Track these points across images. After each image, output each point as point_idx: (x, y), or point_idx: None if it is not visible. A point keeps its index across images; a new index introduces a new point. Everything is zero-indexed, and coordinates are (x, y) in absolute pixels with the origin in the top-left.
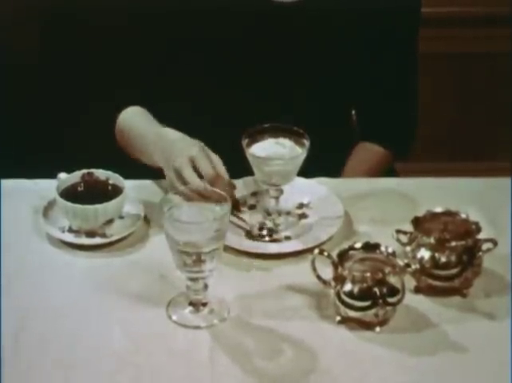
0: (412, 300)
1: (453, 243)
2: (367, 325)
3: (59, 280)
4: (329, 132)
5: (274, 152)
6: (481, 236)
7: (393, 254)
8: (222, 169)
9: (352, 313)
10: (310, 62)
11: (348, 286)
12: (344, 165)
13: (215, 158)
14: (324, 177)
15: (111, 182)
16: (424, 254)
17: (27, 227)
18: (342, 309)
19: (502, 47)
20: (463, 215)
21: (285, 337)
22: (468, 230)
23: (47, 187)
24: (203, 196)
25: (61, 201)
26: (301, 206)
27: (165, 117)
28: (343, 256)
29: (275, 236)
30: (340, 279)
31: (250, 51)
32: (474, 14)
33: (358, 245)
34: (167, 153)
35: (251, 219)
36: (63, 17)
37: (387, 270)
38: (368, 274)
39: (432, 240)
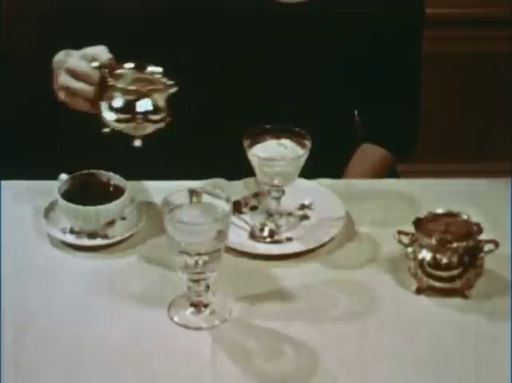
0: (413, 301)
1: (454, 244)
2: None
3: (60, 281)
4: (331, 132)
5: (276, 152)
6: (482, 237)
7: None
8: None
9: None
10: (312, 62)
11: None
12: (346, 166)
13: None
14: (326, 178)
15: (112, 183)
16: (425, 255)
17: (28, 228)
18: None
19: (503, 48)
20: (465, 216)
21: (287, 338)
22: (469, 231)
23: (48, 188)
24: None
25: (63, 202)
26: (302, 207)
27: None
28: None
29: (276, 237)
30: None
31: (250, 51)
32: (474, 15)
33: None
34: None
35: (253, 220)
36: (62, 18)
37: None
38: None
39: (434, 241)
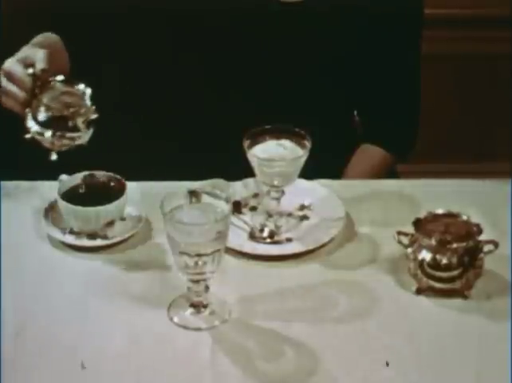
0: (413, 301)
1: (454, 245)
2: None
3: (60, 282)
4: (331, 133)
5: (276, 153)
6: (482, 238)
7: None
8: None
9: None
10: (312, 63)
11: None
12: (346, 167)
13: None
14: (326, 179)
15: (112, 183)
16: (425, 255)
17: (28, 228)
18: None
19: (503, 48)
20: (464, 217)
21: (287, 338)
22: (469, 231)
23: (48, 189)
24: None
25: (63, 203)
26: (302, 207)
27: (165, 117)
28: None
29: (276, 238)
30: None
31: (251, 51)
32: (474, 16)
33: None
34: None
35: (252, 220)
36: (62, 18)
37: None
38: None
39: (433, 242)
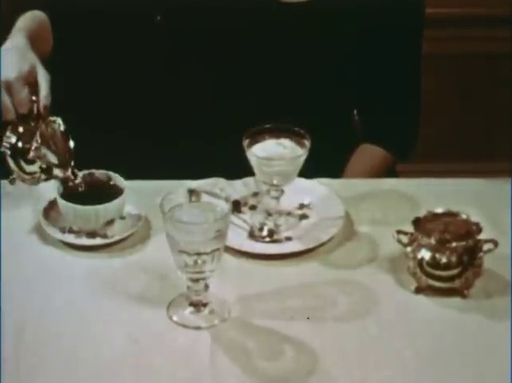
0: (413, 300)
1: (454, 244)
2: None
3: (59, 281)
4: (330, 132)
5: (275, 152)
6: (482, 237)
7: None
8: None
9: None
10: (312, 62)
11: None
12: (345, 166)
13: (43, 81)
14: (325, 178)
15: (112, 182)
16: (425, 254)
17: (28, 227)
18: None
19: (503, 48)
20: (464, 216)
21: (286, 337)
22: (469, 230)
23: (48, 188)
24: None
25: (62, 202)
26: (301, 206)
27: (165, 117)
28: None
29: (276, 237)
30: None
31: (251, 50)
32: (474, 15)
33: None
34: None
35: (252, 219)
36: (62, 18)
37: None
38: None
39: (433, 241)
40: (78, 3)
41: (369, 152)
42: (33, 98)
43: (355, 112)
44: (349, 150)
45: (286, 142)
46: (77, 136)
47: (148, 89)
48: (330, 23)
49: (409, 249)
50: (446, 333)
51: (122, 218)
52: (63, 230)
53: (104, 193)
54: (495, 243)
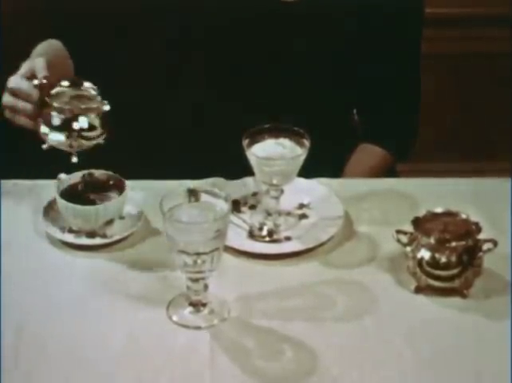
0: (412, 300)
1: (453, 244)
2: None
3: (59, 280)
4: (330, 132)
5: (275, 152)
6: (481, 236)
7: None
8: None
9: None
10: (312, 62)
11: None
12: (345, 165)
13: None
14: (325, 177)
15: (111, 182)
16: (424, 254)
17: (27, 227)
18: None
19: (503, 48)
20: (463, 216)
21: (286, 337)
22: (468, 230)
23: (47, 188)
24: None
25: (62, 201)
26: (301, 206)
27: (165, 116)
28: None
29: (275, 236)
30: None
31: (250, 50)
32: (474, 15)
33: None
34: None
35: (251, 219)
36: (62, 18)
37: None
38: None
39: (432, 240)
40: (78, 4)
41: (369, 152)
42: (34, 82)
43: (354, 111)
44: (349, 150)
45: (286, 142)
46: None
47: (148, 89)
48: (330, 23)
49: (409, 249)
50: (445, 333)
51: (121, 218)
52: (63, 230)
53: (104, 193)
54: (495, 243)
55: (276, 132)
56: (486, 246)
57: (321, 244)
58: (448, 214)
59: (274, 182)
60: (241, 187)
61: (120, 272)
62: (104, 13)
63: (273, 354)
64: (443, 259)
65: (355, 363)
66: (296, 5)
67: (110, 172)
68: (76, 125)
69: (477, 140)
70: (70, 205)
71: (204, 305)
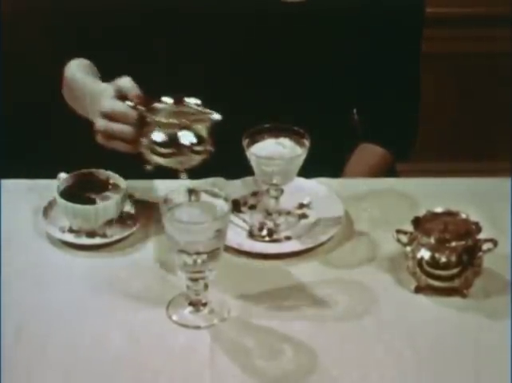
0: (412, 300)
1: (453, 243)
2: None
3: (59, 280)
4: (330, 131)
5: (275, 151)
6: (481, 236)
7: None
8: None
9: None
10: (312, 62)
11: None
12: (345, 165)
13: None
14: (325, 177)
15: (111, 182)
16: (424, 254)
17: (27, 227)
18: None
19: (503, 47)
20: (463, 215)
21: (286, 337)
22: (468, 230)
23: (47, 187)
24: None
25: (61, 201)
26: (301, 206)
27: None
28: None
29: (275, 236)
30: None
31: (250, 50)
32: (474, 15)
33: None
34: (95, 102)
35: (251, 219)
36: (62, 18)
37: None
38: None
39: (432, 240)
40: (78, 3)
41: (369, 152)
42: (129, 103)
43: (354, 111)
44: (349, 149)
45: (286, 141)
46: (77, 136)
47: (148, 89)
48: (330, 23)
49: (409, 248)
50: (445, 333)
51: (121, 217)
52: (63, 230)
53: (104, 192)
54: (495, 243)
55: (276, 132)
56: (486, 246)
57: (321, 244)
58: (448, 214)
59: (274, 182)
60: (241, 187)
61: (119, 272)
62: (104, 13)
63: (273, 354)
64: (443, 259)
65: (355, 363)
66: (296, 5)
67: (110, 172)
68: (185, 139)
69: (477, 140)
70: (70, 205)
71: (204, 305)
